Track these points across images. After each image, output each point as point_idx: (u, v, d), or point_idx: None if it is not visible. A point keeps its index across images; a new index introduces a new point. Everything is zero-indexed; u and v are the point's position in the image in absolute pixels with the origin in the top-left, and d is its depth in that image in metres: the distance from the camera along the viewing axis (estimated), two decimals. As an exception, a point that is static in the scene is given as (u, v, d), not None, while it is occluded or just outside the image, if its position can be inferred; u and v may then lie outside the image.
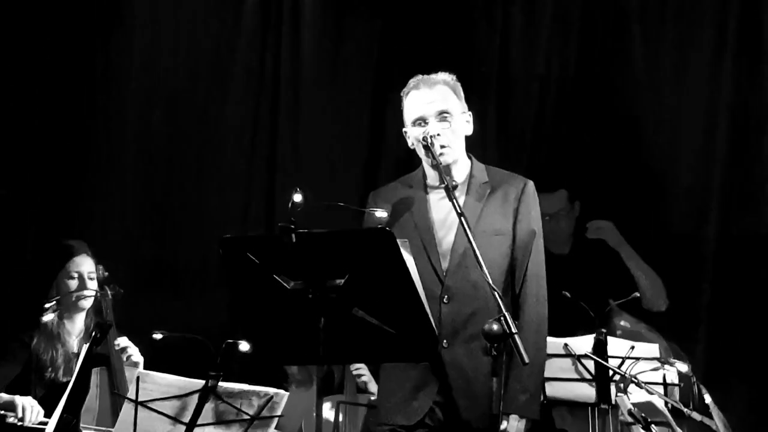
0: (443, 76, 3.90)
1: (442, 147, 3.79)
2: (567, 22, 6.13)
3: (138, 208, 5.78)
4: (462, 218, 3.58)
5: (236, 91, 5.98)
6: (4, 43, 5.58)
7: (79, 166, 5.71)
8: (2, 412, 4.37)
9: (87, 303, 4.66)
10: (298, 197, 3.43)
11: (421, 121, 3.83)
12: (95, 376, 4.46)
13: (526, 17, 6.14)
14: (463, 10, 6.11)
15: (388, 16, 6.09)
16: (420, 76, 3.90)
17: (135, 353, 4.54)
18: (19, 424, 4.32)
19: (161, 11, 5.89)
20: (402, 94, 3.91)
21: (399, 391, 3.81)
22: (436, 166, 3.74)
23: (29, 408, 4.33)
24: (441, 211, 3.84)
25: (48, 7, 5.67)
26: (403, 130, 3.91)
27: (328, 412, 5.22)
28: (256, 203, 5.97)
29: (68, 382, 4.31)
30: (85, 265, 4.69)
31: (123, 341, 4.55)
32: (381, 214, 3.79)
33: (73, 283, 4.65)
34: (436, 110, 3.82)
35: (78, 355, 4.52)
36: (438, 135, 3.78)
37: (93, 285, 4.66)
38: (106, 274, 4.68)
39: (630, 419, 4.14)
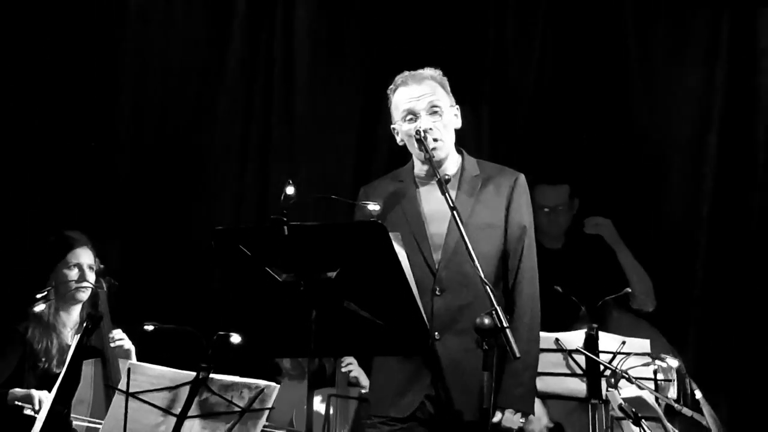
0: (430, 71, 3.90)
1: (435, 141, 3.79)
2: (560, 21, 6.14)
3: (130, 198, 5.76)
4: (454, 212, 3.58)
5: (229, 83, 5.97)
6: (3, 44, 5.58)
7: (75, 158, 5.70)
8: (20, 404, 4.37)
9: (84, 295, 4.65)
10: (290, 189, 3.43)
11: (411, 116, 3.83)
12: (90, 368, 4.46)
13: (520, 17, 6.14)
14: (458, 8, 6.10)
15: (381, 13, 6.08)
16: (407, 73, 3.90)
17: (126, 342, 4.53)
18: (36, 415, 4.32)
19: (152, 12, 5.88)
20: (389, 91, 3.91)
21: (391, 384, 3.81)
22: (429, 159, 3.74)
23: (46, 400, 4.33)
24: (432, 204, 3.84)
25: (47, 8, 5.67)
26: (392, 126, 3.91)
27: (318, 405, 5.21)
28: (249, 195, 5.97)
29: (60, 373, 4.30)
30: (85, 256, 4.68)
31: (117, 333, 4.55)
32: (373, 207, 3.79)
33: (73, 274, 4.65)
34: (426, 104, 3.82)
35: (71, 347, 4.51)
36: (430, 129, 3.79)
37: (92, 277, 4.65)
38: (102, 266, 4.68)
39: (621, 414, 4.15)
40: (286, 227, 3.29)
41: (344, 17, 6.07)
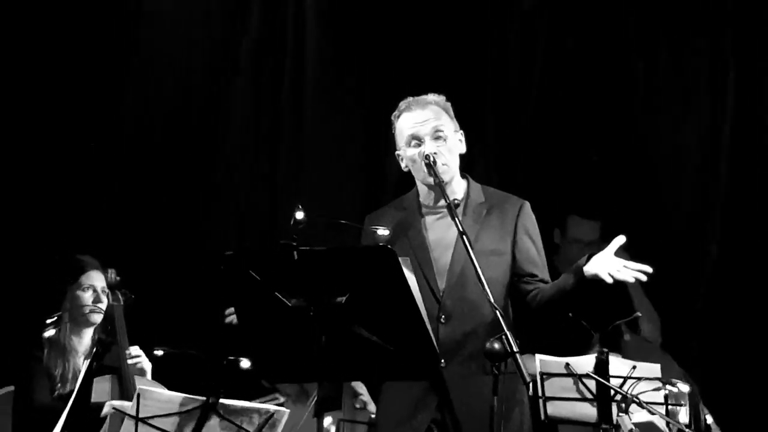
0: (434, 96, 3.91)
1: (442, 165, 3.79)
2: (563, 40, 6.15)
3: (137, 221, 5.77)
4: (463, 236, 3.58)
5: (237, 102, 5.99)
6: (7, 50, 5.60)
7: (84, 181, 5.71)
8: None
9: (99, 317, 4.62)
10: (300, 214, 3.44)
11: (416, 141, 3.82)
12: (107, 383, 4.42)
13: (523, 35, 6.16)
14: (460, 24, 6.12)
15: (386, 34, 6.11)
16: (410, 98, 3.91)
17: (143, 360, 4.52)
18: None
19: (159, 25, 5.89)
20: (393, 117, 3.91)
21: (399, 408, 3.82)
22: (438, 184, 3.73)
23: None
24: (437, 231, 3.85)
25: (51, 12, 5.69)
26: (396, 153, 3.91)
27: (329, 427, 5.21)
28: (257, 220, 5.97)
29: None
30: (98, 279, 4.66)
31: (135, 350, 4.51)
32: (383, 232, 3.79)
33: (87, 296, 4.62)
34: (430, 129, 3.82)
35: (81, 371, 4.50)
36: (435, 153, 3.78)
37: (105, 300, 4.63)
38: (118, 278, 4.65)
39: (632, 439, 4.13)
40: (295, 252, 3.29)
41: (350, 39, 6.09)
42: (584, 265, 3.71)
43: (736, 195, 5.97)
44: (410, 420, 3.77)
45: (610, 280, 3.66)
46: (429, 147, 3.80)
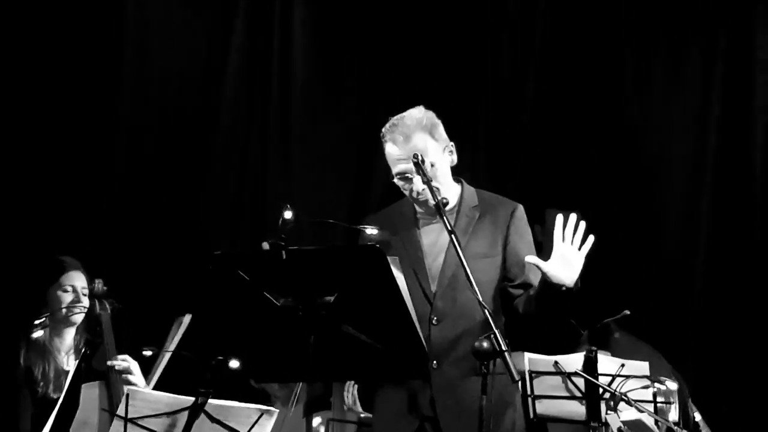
0: (417, 116, 3.80)
1: (438, 191, 3.74)
2: (557, 44, 6.17)
3: (126, 223, 5.76)
4: (452, 235, 3.58)
5: (227, 102, 5.99)
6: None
7: (71, 182, 5.70)
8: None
9: (79, 318, 4.61)
10: (288, 214, 3.43)
11: (402, 177, 3.80)
12: (94, 390, 4.40)
13: (516, 36, 6.17)
14: (453, 28, 6.13)
15: (374, 31, 6.11)
16: (394, 122, 3.80)
17: (136, 375, 4.41)
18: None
19: (150, 31, 5.88)
20: (381, 137, 3.83)
21: (392, 406, 3.82)
22: (436, 208, 3.69)
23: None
24: (431, 236, 3.85)
25: (44, 15, 5.68)
26: (391, 175, 3.85)
27: (318, 427, 5.22)
28: (246, 219, 5.97)
29: (59, 399, 4.28)
30: (78, 279, 4.65)
31: (124, 363, 4.44)
32: (371, 231, 3.79)
33: (67, 297, 4.61)
34: (411, 167, 3.73)
35: (68, 372, 4.49)
36: (423, 190, 3.74)
37: (86, 301, 4.62)
38: (105, 288, 4.64)
39: (620, 437, 4.13)
40: (284, 251, 3.29)
41: (338, 41, 6.08)
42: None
43: (725, 187, 5.98)
44: (403, 418, 3.77)
45: (575, 273, 3.63)
46: (417, 185, 3.76)
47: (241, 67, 5.99)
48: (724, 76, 6.00)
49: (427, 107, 3.89)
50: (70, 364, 4.53)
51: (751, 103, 5.98)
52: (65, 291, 4.61)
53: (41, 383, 4.53)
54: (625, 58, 6.11)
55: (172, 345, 4.32)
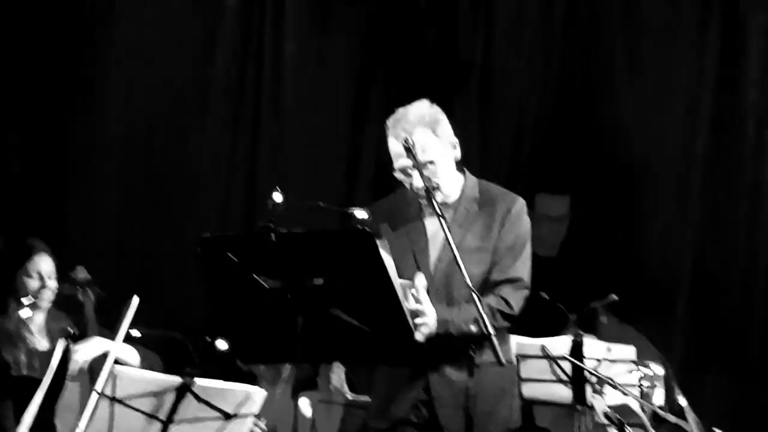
0: (420, 111, 3.76)
1: (434, 189, 3.73)
2: (550, 25, 6.16)
3: (117, 206, 5.76)
4: (440, 219, 3.57)
5: (217, 91, 5.98)
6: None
7: (59, 166, 5.69)
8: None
9: (45, 303, 4.59)
10: (278, 197, 3.43)
11: (403, 172, 3.77)
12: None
13: (510, 22, 6.16)
14: (448, 12, 6.11)
15: (371, 19, 6.10)
16: (397, 116, 3.77)
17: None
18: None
19: (140, 21, 5.89)
20: (385, 128, 3.79)
21: (388, 389, 3.82)
22: (438, 214, 3.68)
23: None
24: (432, 228, 3.80)
25: (31, 12, 5.66)
26: (392, 168, 3.82)
27: (306, 408, 5.23)
28: (236, 203, 5.97)
29: (33, 378, 4.28)
30: (44, 263, 4.61)
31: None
32: (360, 213, 3.78)
33: (33, 283, 4.58)
34: (412, 163, 3.69)
35: (42, 353, 4.48)
36: (423, 186, 3.71)
37: (53, 284, 4.58)
38: (89, 277, 4.63)
39: (605, 421, 4.16)
40: (273, 234, 3.29)
41: (333, 25, 6.07)
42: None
43: (714, 179, 6.00)
44: (398, 401, 3.78)
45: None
46: (416, 182, 3.73)
47: (233, 48, 5.99)
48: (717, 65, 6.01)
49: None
50: (43, 344, 4.52)
51: (745, 99, 5.99)
52: (30, 277, 4.58)
53: (14, 367, 4.51)
54: (615, 48, 6.11)
55: (124, 327, 4.32)
